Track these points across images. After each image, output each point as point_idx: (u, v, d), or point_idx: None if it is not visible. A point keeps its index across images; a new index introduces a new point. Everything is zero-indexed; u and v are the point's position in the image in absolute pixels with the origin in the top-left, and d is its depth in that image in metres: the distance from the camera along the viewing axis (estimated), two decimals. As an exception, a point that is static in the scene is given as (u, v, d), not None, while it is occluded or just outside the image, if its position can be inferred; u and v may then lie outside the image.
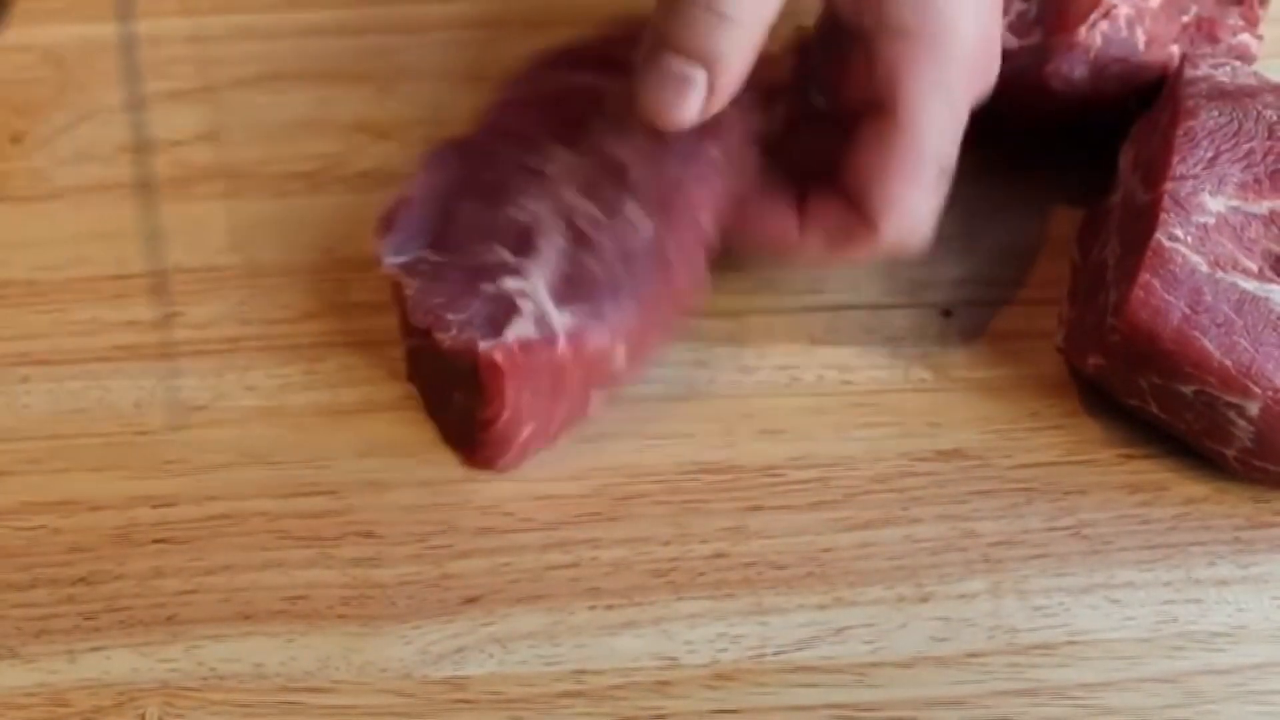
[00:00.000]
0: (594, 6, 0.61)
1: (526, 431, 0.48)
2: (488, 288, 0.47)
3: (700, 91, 0.45)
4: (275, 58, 0.60)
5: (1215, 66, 0.51)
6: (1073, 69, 0.52)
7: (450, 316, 0.47)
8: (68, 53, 0.60)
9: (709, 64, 0.45)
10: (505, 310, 0.47)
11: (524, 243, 0.48)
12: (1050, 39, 0.52)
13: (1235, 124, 0.49)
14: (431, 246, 0.49)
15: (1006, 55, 0.52)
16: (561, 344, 0.46)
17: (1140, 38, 0.53)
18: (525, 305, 0.47)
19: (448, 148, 0.51)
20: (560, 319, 0.46)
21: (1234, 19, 0.54)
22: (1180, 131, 0.48)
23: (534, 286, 0.47)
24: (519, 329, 0.46)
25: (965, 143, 0.50)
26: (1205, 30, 0.54)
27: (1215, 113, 0.49)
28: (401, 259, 0.49)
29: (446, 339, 0.46)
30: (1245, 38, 0.54)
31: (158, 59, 0.60)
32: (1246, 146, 0.48)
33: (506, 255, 0.48)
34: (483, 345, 0.46)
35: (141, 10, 0.61)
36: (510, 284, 0.47)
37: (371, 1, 0.62)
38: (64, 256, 0.54)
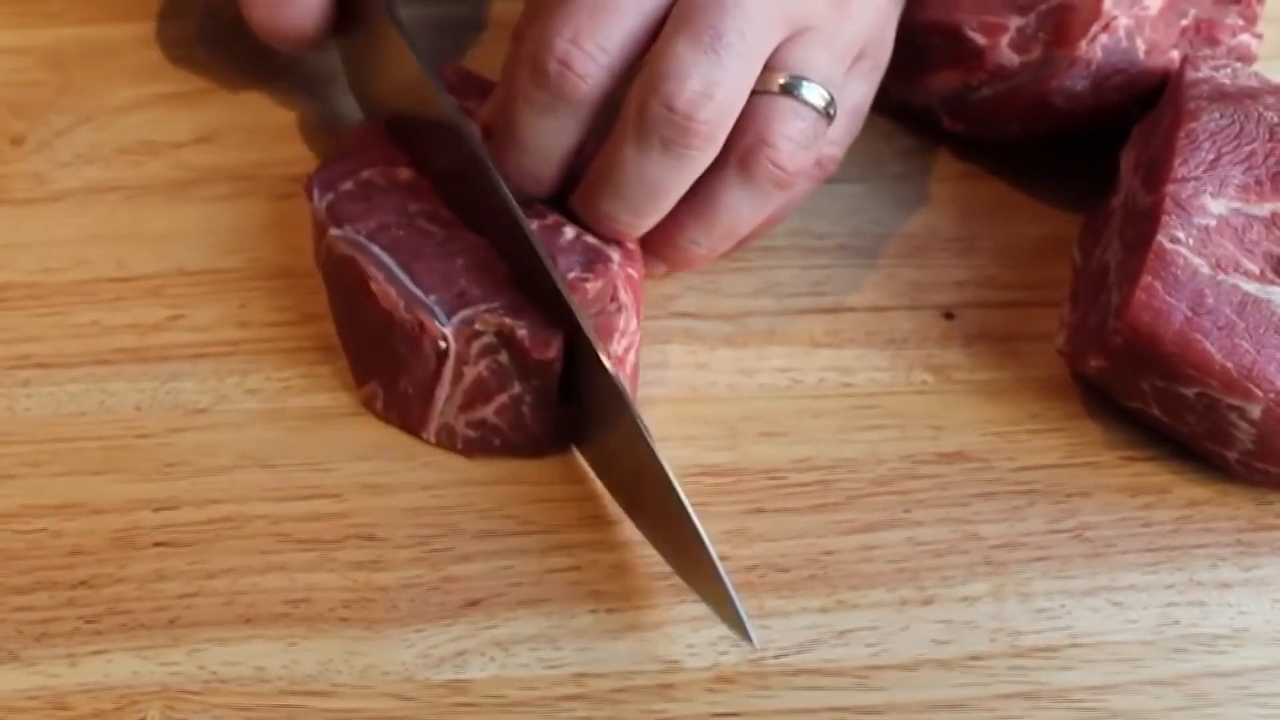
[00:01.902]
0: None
1: None
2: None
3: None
4: (274, 59, 0.60)
5: (1216, 68, 0.51)
6: (1074, 83, 0.52)
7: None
8: (67, 55, 0.60)
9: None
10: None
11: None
12: (1051, 54, 0.52)
13: (1237, 126, 0.49)
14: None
15: (1008, 72, 0.52)
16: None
17: (1140, 47, 0.53)
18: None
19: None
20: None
21: (1232, 18, 0.54)
22: (1182, 134, 0.48)
23: None
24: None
25: (964, 148, 0.50)
26: (1205, 33, 0.54)
27: (1217, 114, 0.49)
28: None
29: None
30: (1245, 38, 0.54)
31: (158, 60, 0.60)
32: (1248, 148, 0.48)
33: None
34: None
35: (141, 11, 0.61)
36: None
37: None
38: (64, 259, 0.54)
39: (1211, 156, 0.48)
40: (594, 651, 0.46)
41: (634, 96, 0.46)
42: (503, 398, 0.48)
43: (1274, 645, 0.46)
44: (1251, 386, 0.46)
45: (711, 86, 0.45)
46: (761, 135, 0.47)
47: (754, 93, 0.47)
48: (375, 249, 0.49)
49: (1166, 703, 0.45)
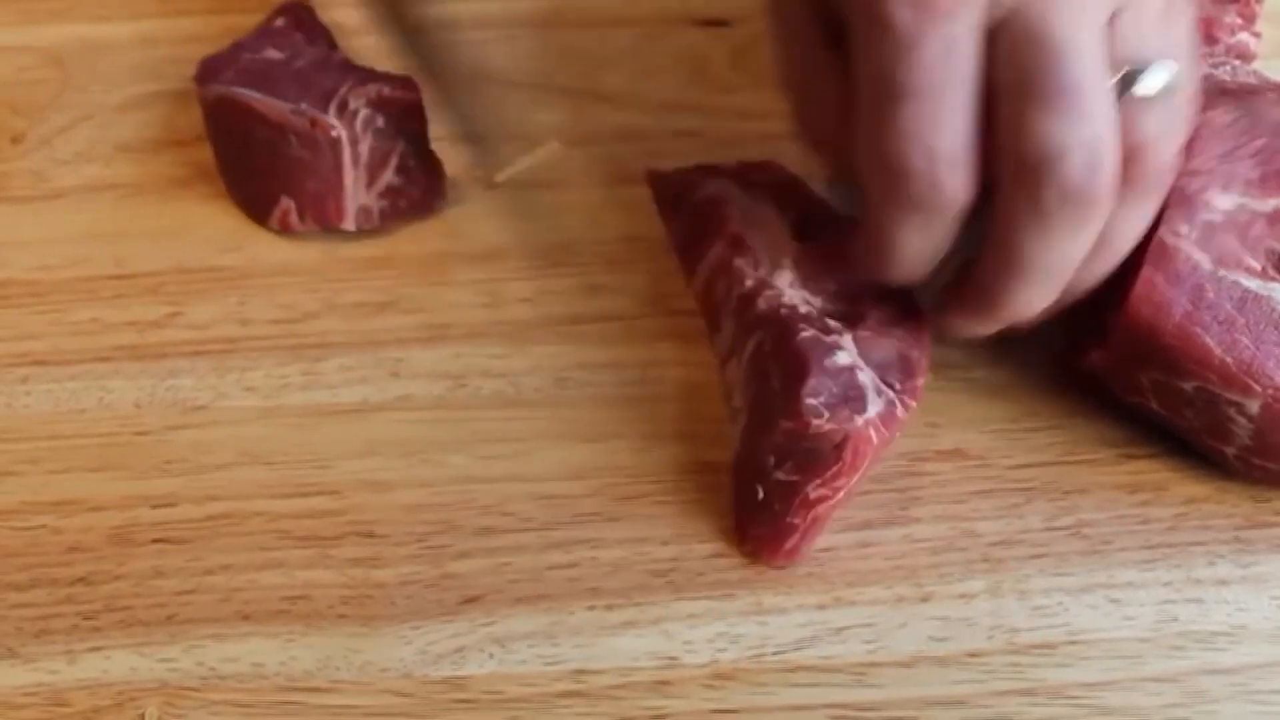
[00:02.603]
0: (595, 7, 0.61)
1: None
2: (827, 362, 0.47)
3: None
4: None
5: (1215, 66, 0.51)
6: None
7: (810, 401, 0.45)
8: (68, 53, 0.60)
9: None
10: (852, 385, 0.46)
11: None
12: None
13: (1248, 119, 0.49)
14: None
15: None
16: (901, 415, 0.46)
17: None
18: (864, 378, 0.46)
19: None
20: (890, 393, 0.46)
21: (1231, 17, 0.54)
22: (1199, 125, 0.48)
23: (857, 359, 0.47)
24: (875, 405, 0.46)
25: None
26: (1204, 31, 0.54)
27: (1229, 108, 0.49)
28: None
29: (822, 424, 0.45)
30: (1244, 37, 0.54)
31: (157, 59, 0.60)
32: (1258, 143, 0.48)
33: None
34: (858, 421, 0.45)
35: (141, 10, 0.61)
36: (843, 358, 0.47)
37: (371, 2, 0.62)
38: (64, 256, 0.55)
39: (1223, 150, 0.48)
40: (592, 648, 0.46)
41: (1019, 186, 0.43)
42: (393, 157, 0.54)
43: (1272, 642, 0.46)
44: (1250, 382, 0.46)
45: (1095, 147, 0.42)
46: (1131, 149, 0.43)
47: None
48: (242, 90, 0.54)
49: (1164, 699, 0.45)
